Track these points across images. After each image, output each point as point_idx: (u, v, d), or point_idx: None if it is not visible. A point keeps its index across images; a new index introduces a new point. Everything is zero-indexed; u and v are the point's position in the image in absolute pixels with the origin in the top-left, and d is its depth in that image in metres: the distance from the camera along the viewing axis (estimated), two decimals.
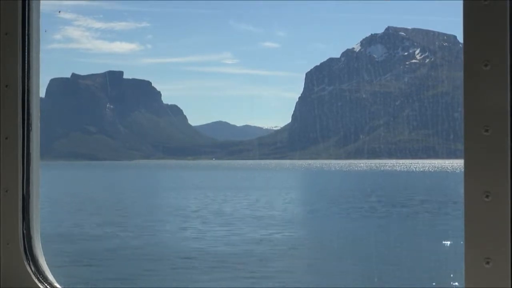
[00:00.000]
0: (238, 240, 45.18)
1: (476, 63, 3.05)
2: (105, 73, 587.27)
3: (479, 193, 3.04)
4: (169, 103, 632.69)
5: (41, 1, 4.17)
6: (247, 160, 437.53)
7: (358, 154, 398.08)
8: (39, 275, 4.13)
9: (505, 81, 3.02)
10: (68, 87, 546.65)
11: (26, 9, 4.11)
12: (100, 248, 40.42)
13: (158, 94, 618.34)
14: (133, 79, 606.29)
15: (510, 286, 3.00)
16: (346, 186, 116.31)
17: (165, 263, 35.31)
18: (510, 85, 3.02)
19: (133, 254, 38.47)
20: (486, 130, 3.03)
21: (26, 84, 4.14)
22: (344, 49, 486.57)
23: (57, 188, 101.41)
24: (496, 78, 3.02)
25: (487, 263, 3.02)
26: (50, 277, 4.16)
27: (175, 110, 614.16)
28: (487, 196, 3.03)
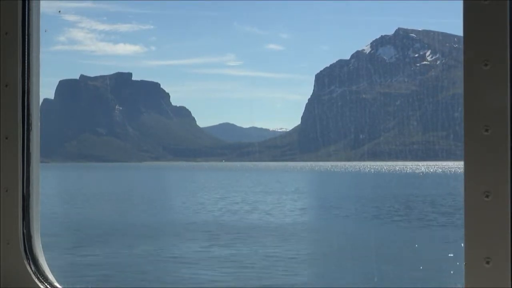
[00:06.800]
0: None
1: (476, 63, 3.05)
2: (113, 74, 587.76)
3: (479, 193, 3.04)
4: (178, 105, 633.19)
5: (41, 1, 4.18)
6: (258, 162, 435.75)
7: (371, 156, 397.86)
8: (39, 275, 4.14)
9: (505, 81, 3.02)
10: (77, 89, 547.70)
11: (26, 9, 4.12)
12: None
13: (167, 95, 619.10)
14: (142, 81, 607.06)
15: (510, 286, 3.01)
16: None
17: None
18: (510, 85, 3.02)
19: None
20: (486, 130, 3.03)
21: (26, 84, 4.15)
22: (353, 51, 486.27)
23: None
24: (496, 78, 3.02)
25: (487, 263, 3.02)
26: (50, 277, 4.16)
27: (184, 112, 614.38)
28: (487, 196, 3.03)
